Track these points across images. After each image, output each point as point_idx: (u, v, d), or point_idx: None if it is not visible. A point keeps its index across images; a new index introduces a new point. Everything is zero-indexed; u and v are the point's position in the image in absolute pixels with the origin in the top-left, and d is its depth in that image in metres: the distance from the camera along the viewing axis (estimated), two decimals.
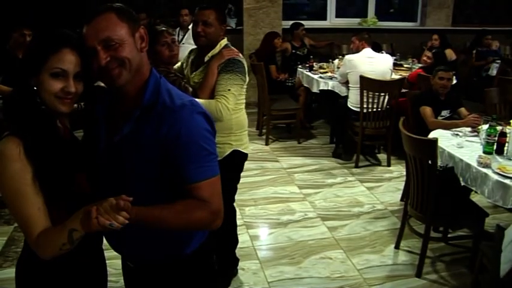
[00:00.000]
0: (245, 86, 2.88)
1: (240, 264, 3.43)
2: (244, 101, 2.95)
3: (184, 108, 1.50)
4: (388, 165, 5.32)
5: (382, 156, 5.56)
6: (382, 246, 3.72)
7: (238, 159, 2.95)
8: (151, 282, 1.73)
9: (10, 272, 3.31)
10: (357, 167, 5.30)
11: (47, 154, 1.50)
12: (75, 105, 1.65)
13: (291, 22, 7.78)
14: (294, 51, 7.05)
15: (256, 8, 7.30)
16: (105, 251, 1.83)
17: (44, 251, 1.47)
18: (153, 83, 1.56)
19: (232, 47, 2.94)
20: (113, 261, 2.86)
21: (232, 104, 2.70)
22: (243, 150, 2.95)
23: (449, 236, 3.75)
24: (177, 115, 1.48)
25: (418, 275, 3.34)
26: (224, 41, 2.91)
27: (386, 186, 4.83)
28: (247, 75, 2.88)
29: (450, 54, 6.57)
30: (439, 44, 6.65)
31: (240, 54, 2.88)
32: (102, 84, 1.64)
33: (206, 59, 2.86)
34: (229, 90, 2.69)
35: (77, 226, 1.41)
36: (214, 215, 1.54)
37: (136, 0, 7.24)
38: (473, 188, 3.08)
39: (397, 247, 3.68)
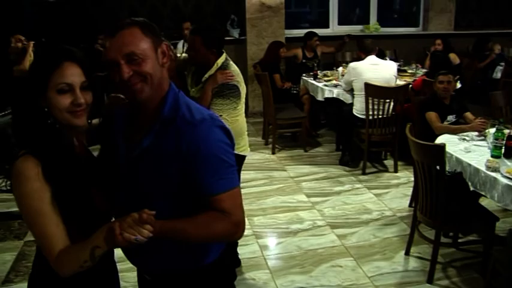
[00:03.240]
0: (241, 102, 3.02)
1: (250, 274, 3.44)
2: (240, 111, 3.06)
3: (203, 122, 1.51)
4: (395, 171, 5.32)
5: (389, 163, 5.56)
6: (392, 252, 3.71)
7: (237, 161, 3.03)
8: None
9: (21, 287, 3.35)
10: (364, 174, 5.30)
11: (65, 175, 1.51)
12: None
13: (294, 31, 7.85)
14: (304, 60, 6.99)
15: (258, 18, 7.34)
16: (117, 264, 1.84)
17: (65, 269, 1.47)
18: (172, 97, 1.57)
19: (231, 64, 3.04)
20: (126, 273, 2.89)
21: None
22: (241, 153, 3.07)
23: (459, 241, 3.73)
24: (197, 130, 1.50)
25: (430, 281, 3.32)
26: (221, 59, 3.01)
27: (394, 192, 4.82)
28: (242, 95, 3.00)
29: (454, 58, 6.59)
30: (443, 49, 6.67)
31: (235, 76, 2.97)
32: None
33: (203, 79, 2.99)
34: (221, 116, 2.81)
35: (99, 243, 1.42)
36: (235, 227, 1.53)
37: (141, 12, 7.35)
38: (483, 193, 3.08)
39: (407, 253, 3.67)
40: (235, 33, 7.59)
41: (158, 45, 1.54)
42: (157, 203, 1.48)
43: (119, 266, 1.86)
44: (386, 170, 5.44)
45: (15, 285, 3.42)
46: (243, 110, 3.12)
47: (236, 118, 3.02)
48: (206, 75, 2.99)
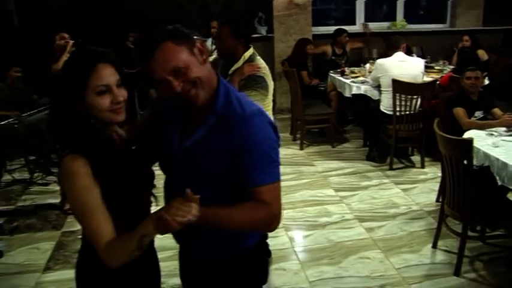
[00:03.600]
0: (269, 96, 2.99)
1: (281, 264, 3.56)
2: (269, 105, 3.02)
3: (254, 117, 1.61)
4: (422, 167, 5.38)
5: (416, 159, 5.61)
6: (419, 246, 3.79)
7: None
8: (213, 278, 1.84)
9: (61, 274, 3.55)
10: (391, 169, 5.37)
11: (111, 172, 1.59)
12: None
13: (320, 28, 7.92)
14: (333, 57, 7.06)
15: (286, 15, 7.44)
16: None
17: (115, 260, 1.54)
18: (223, 91, 1.66)
19: (258, 59, 3.06)
20: (161, 263, 3.05)
21: None
22: None
23: (486, 235, 3.78)
24: (247, 125, 1.60)
25: (457, 273, 3.39)
26: (249, 53, 3.04)
27: (421, 187, 4.88)
28: (269, 87, 2.99)
29: (482, 54, 6.58)
30: (471, 45, 6.67)
31: (262, 68, 2.97)
32: None
33: (230, 72, 2.99)
34: None
35: (147, 232, 1.49)
36: (273, 218, 1.63)
37: (169, 11, 7.52)
38: (511, 187, 3.14)
39: (434, 246, 3.74)
40: (263, 31, 7.71)
41: (193, 46, 1.60)
42: (206, 190, 1.54)
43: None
44: (413, 166, 5.50)
45: (55, 272, 3.60)
46: (271, 105, 3.08)
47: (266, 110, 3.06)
48: (233, 68, 3.00)
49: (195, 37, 1.63)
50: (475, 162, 3.33)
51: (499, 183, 3.23)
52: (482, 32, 7.95)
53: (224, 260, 1.81)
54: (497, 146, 3.45)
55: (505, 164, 3.17)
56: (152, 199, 1.79)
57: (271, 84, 3.06)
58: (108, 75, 1.56)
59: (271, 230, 1.71)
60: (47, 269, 3.66)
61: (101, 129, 1.62)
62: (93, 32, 6.55)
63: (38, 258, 3.80)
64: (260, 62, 3.07)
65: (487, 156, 3.37)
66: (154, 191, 1.80)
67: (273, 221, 1.64)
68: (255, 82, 2.90)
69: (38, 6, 7.46)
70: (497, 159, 3.25)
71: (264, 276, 1.95)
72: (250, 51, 3.08)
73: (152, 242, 1.82)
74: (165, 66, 1.54)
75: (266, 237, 3.55)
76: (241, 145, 1.58)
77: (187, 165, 1.67)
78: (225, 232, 1.66)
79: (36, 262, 3.75)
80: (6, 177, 5.32)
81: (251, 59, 3.04)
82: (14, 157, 5.68)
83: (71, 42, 5.00)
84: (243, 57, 3.00)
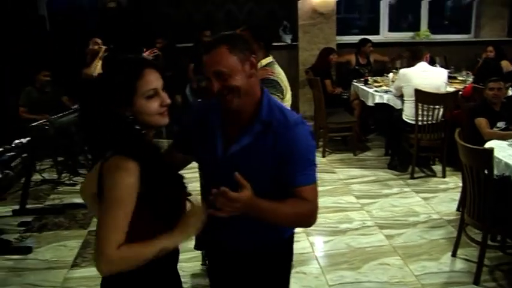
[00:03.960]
0: (285, 100, 3.07)
1: (301, 268, 3.63)
2: None
3: (297, 126, 1.77)
4: (444, 176, 5.40)
5: (437, 168, 5.63)
6: (438, 254, 3.82)
7: None
8: (245, 271, 1.96)
9: (87, 271, 3.66)
10: (412, 178, 5.40)
11: (157, 178, 1.63)
12: None
13: (345, 37, 7.99)
14: (357, 67, 7.14)
15: (311, 24, 7.52)
16: None
17: (115, 264, 1.53)
18: (266, 101, 1.81)
19: (275, 67, 3.15)
20: (183, 264, 3.17)
21: None
22: None
23: (507, 244, 3.80)
24: (292, 132, 1.75)
25: (476, 282, 3.40)
26: (266, 60, 3.13)
27: (442, 196, 4.91)
28: (285, 92, 3.08)
29: (507, 65, 6.56)
30: (495, 56, 6.66)
31: (276, 73, 3.07)
32: None
33: None
34: None
35: (170, 244, 1.59)
36: (313, 214, 1.81)
37: (197, 17, 7.68)
38: None
39: (454, 255, 3.77)
40: (288, 39, 7.79)
41: (246, 59, 1.74)
42: (258, 188, 1.67)
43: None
44: (434, 175, 5.52)
45: (82, 269, 3.73)
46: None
47: None
48: None
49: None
50: (495, 172, 3.36)
51: None
52: (507, 43, 7.91)
53: (257, 252, 1.91)
54: None
55: None
56: (188, 204, 1.78)
57: (287, 89, 3.15)
58: (155, 79, 1.62)
59: (310, 225, 1.87)
60: (74, 265, 3.80)
61: (143, 134, 1.67)
62: (123, 38, 6.74)
63: (65, 255, 3.95)
64: (278, 70, 3.15)
65: (508, 166, 3.39)
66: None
67: (312, 216, 1.82)
68: (268, 84, 2.96)
69: (69, 12, 7.70)
70: None
71: (290, 269, 2.08)
72: (269, 59, 3.17)
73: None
74: (212, 66, 1.70)
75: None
76: (286, 151, 1.74)
77: (232, 170, 1.72)
78: (261, 225, 1.77)
79: (64, 259, 3.90)
80: (36, 176, 5.49)
81: (268, 66, 3.13)
82: (44, 157, 5.86)
83: (104, 47, 5.14)
84: (259, 63, 3.05)
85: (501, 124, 4.30)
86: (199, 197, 1.86)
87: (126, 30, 6.93)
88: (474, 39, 8.40)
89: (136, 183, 1.56)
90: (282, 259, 2.02)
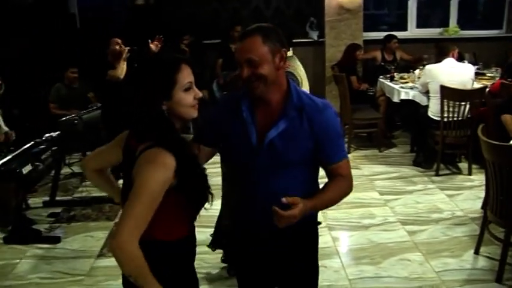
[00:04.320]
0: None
1: (323, 262, 3.61)
2: None
3: (327, 109, 1.94)
4: (469, 174, 5.34)
5: (463, 165, 5.57)
6: (461, 251, 3.80)
7: None
8: (275, 250, 2.07)
9: (113, 261, 3.71)
10: (437, 175, 5.36)
11: (192, 167, 1.74)
12: None
13: (372, 33, 7.94)
14: (383, 63, 7.10)
15: (337, 20, 7.50)
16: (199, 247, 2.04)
17: (120, 252, 1.59)
18: (294, 89, 1.95)
19: (295, 61, 3.23)
20: (206, 255, 3.26)
21: None
22: None
23: None
24: (324, 115, 1.91)
25: (499, 280, 3.37)
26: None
27: (467, 194, 4.86)
28: (300, 82, 3.14)
29: None
30: None
31: (292, 66, 3.14)
32: None
33: None
34: None
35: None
36: (351, 186, 2.04)
37: (224, 14, 7.76)
38: None
39: (476, 252, 3.74)
40: (314, 35, 7.79)
41: (277, 51, 1.85)
42: (289, 176, 1.94)
43: (199, 249, 2.05)
44: (460, 173, 5.47)
45: (108, 259, 3.81)
46: None
47: None
48: None
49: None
50: None
51: None
52: None
53: (288, 231, 1.93)
54: None
55: None
56: (209, 196, 1.85)
57: (302, 80, 3.21)
58: (190, 74, 1.73)
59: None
60: (101, 255, 3.92)
61: (176, 128, 1.76)
62: (151, 34, 6.86)
63: (92, 245, 4.08)
64: (295, 63, 3.23)
65: None
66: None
67: (350, 188, 2.04)
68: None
69: (99, 10, 7.85)
70: None
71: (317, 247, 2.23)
72: (288, 53, 3.22)
73: (194, 238, 1.93)
74: (244, 53, 1.83)
75: None
76: (322, 132, 1.90)
77: (271, 156, 1.91)
78: None
79: (91, 249, 4.03)
80: (65, 170, 5.66)
81: (287, 59, 3.18)
82: (73, 152, 6.02)
83: (126, 48, 5.21)
84: None
85: None
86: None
87: (154, 27, 7.05)
88: (506, 35, 8.22)
89: (171, 177, 1.64)
90: (311, 236, 2.16)
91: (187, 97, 1.73)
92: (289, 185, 1.92)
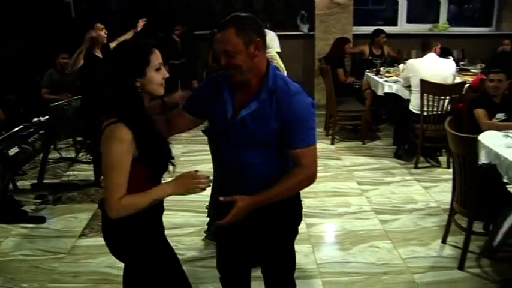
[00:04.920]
0: None
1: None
2: None
3: (297, 94, 2.05)
4: (448, 167, 5.44)
5: (443, 159, 5.70)
6: (429, 240, 3.93)
7: None
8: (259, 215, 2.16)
9: (94, 241, 3.95)
10: (416, 167, 5.49)
11: (151, 140, 1.97)
12: None
13: (362, 28, 8.05)
14: (370, 57, 7.21)
15: (327, 14, 7.63)
16: (175, 229, 2.27)
17: (120, 211, 1.93)
18: (272, 73, 2.08)
19: (271, 51, 3.44)
20: (181, 237, 3.40)
21: None
22: None
23: None
24: (294, 99, 2.03)
25: (461, 267, 3.51)
26: None
27: (442, 186, 4.98)
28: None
29: None
30: (511, 49, 6.65)
31: (274, 61, 3.33)
32: None
33: None
34: None
35: (161, 196, 2.00)
36: (309, 178, 2.12)
37: (216, 5, 7.87)
38: None
39: (443, 242, 3.87)
40: (305, 28, 7.92)
41: (250, 42, 1.99)
42: (255, 152, 2.09)
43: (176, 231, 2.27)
44: (439, 166, 5.60)
45: (89, 239, 4.02)
46: None
47: None
48: None
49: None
50: (484, 160, 3.44)
51: (505, 180, 3.33)
52: None
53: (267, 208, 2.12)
54: (510, 147, 3.53)
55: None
56: (170, 167, 2.13)
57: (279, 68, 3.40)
58: (159, 57, 2.01)
59: (309, 186, 2.16)
60: (82, 235, 4.08)
61: (144, 104, 2.02)
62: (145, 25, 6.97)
63: (75, 226, 4.23)
64: (273, 53, 3.46)
65: (497, 155, 3.46)
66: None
67: (311, 180, 2.14)
68: None
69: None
70: (506, 158, 3.35)
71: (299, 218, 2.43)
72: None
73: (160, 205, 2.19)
74: (221, 45, 2.01)
75: None
76: (288, 115, 2.01)
77: (241, 132, 2.08)
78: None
79: (74, 229, 4.18)
80: (55, 155, 5.80)
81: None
82: (63, 137, 6.16)
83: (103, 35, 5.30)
84: None
85: (500, 115, 4.33)
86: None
87: (148, 16, 7.16)
88: (495, 32, 8.34)
89: (129, 149, 1.90)
90: (287, 219, 2.32)
91: (157, 76, 2.00)
92: (258, 163, 2.09)
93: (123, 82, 1.95)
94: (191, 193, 2.00)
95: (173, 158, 2.14)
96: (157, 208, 2.14)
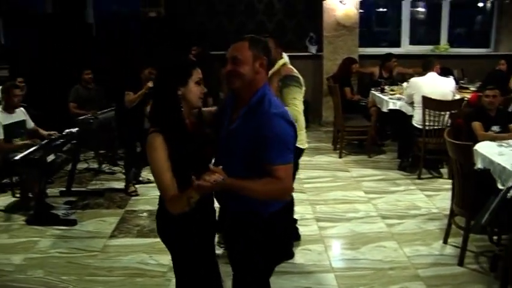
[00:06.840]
0: (303, 89, 3.69)
1: (308, 246, 4.16)
2: (302, 97, 3.67)
3: (275, 116, 2.18)
4: (449, 177, 5.76)
5: (444, 171, 6.06)
6: (431, 240, 4.28)
7: (296, 152, 3.68)
8: (243, 233, 2.39)
9: (124, 241, 4.35)
10: (419, 178, 5.86)
11: (181, 145, 2.23)
12: None
13: (367, 49, 8.49)
14: (379, 80, 7.49)
15: (335, 36, 8.07)
16: None
17: (173, 209, 2.23)
18: (261, 92, 2.25)
19: (290, 66, 3.77)
20: None
21: (300, 107, 3.50)
22: (300, 146, 3.58)
23: (494, 237, 4.18)
24: (270, 121, 2.16)
25: (460, 263, 3.85)
26: (283, 61, 3.75)
27: (444, 194, 5.30)
28: (302, 83, 3.68)
29: None
30: (506, 69, 7.05)
31: (295, 71, 3.68)
32: None
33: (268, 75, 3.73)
34: (294, 98, 3.52)
35: (191, 195, 2.11)
36: (283, 190, 2.25)
37: (230, 27, 8.32)
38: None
39: (445, 242, 4.21)
40: (313, 49, 8.36)
41: (258, 58, 2.23)
42: (237, 163, 2.22)
43: None
44: (441, 177, 5.97)
45: (119, 239, 4.40)
46: (302, 107, 3.67)
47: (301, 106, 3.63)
48: (270, 72, 3.62)
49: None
50: (479, 165, 3.82)
51: (499, 186, 3.69)
52: None
53: (251, 219, 2.36)
54: (502, 155, 3.90)
55: (503, 168, 3.64)
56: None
57: (303, 82, 3.74)
58: (200, 73, 2.30)
59: (283, 199, 2.35)
60: (112, 236, 4.44)
61: (182, 113, 2.29)
62: (161, 45, 7.41)
63: (105, 228, 4.60)
64: (293, 68, 3.78)
65: (491, 162, 3.84)
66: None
67: (284, 193, 2.29)
68: (292, 80, 3.62)
69: (114, 21, 8.44)
70: (499, 164, 3.73)
71: (284, 250, 2.64)
72: (284, 60, 3.79)
73: (212, 202, 2.50)
74: (232, 52, 2.24)
75: (295, 222, 4.16)
76: (264, 134, 2.15)
77: (229, 144, 2.32)
78: (247, 199, 2.22)
79: (104, 231, 4.55)
80: (80, 165, 6.19)
81: (285, 64, 3.75)
82: (88, 149, 6.57)
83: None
84: (277, 63, 3.65)
85: (495, 128, 4.72)
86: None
87: (165, 37, 7.61)
88: (493, 53, 8.76)
89: (165, 153, 2.20)
90: (271, 232, 2.37)
91: (197, 88, 2.28)
92: (241, 173, 2.14)
93: (166, 90, 2.27)
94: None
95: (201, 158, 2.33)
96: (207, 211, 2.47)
